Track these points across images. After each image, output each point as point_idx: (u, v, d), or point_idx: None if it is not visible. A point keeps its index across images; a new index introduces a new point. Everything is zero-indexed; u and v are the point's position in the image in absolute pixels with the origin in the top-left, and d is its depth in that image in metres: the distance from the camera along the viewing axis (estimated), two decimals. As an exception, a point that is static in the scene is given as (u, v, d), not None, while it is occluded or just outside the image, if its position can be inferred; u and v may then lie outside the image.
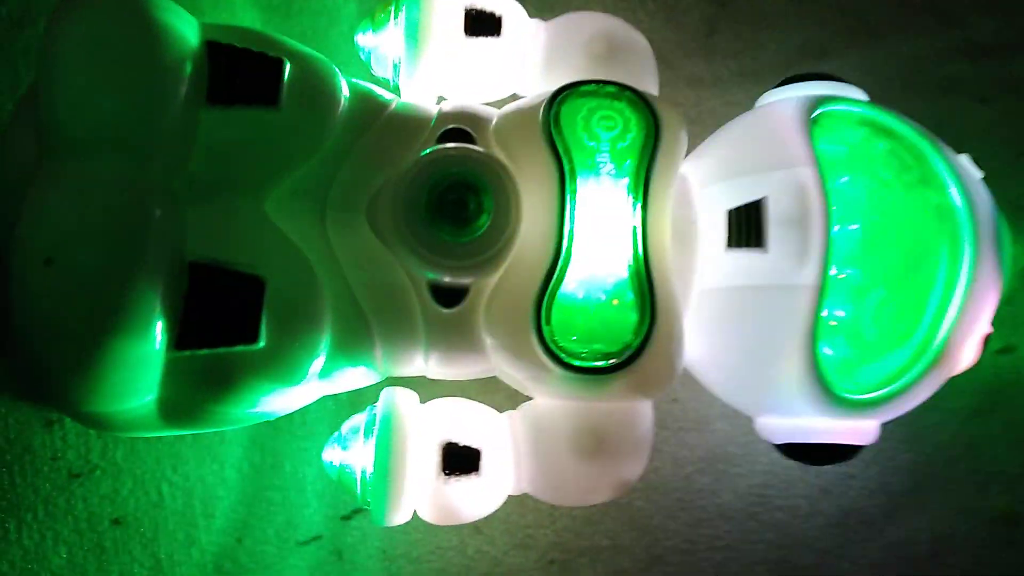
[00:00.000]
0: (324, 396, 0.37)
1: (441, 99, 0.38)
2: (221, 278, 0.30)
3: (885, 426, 0.37)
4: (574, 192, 0.32)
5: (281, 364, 0.31)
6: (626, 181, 0.33)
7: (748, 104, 0.44)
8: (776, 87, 0.40)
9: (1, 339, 0.30)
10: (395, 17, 0.37)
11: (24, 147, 0.30)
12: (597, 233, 0.33)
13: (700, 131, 0.45)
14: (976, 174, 0.37)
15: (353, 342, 0.33)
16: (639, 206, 0.32)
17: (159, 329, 0.30)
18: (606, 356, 0.32)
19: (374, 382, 0.36)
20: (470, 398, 0.38)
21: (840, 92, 0.38)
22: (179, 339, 0.30)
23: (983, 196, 0.36)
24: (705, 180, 0.36)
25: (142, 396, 0.31)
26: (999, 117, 0.50)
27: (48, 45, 0.29)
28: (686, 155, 0.36)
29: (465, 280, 0.33)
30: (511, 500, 0.37)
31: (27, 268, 0.28)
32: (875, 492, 0.46)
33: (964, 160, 0.37)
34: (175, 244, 0.30)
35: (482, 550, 0.45)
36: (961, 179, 0.35)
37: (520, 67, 0.38)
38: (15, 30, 0.45)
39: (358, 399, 0.41)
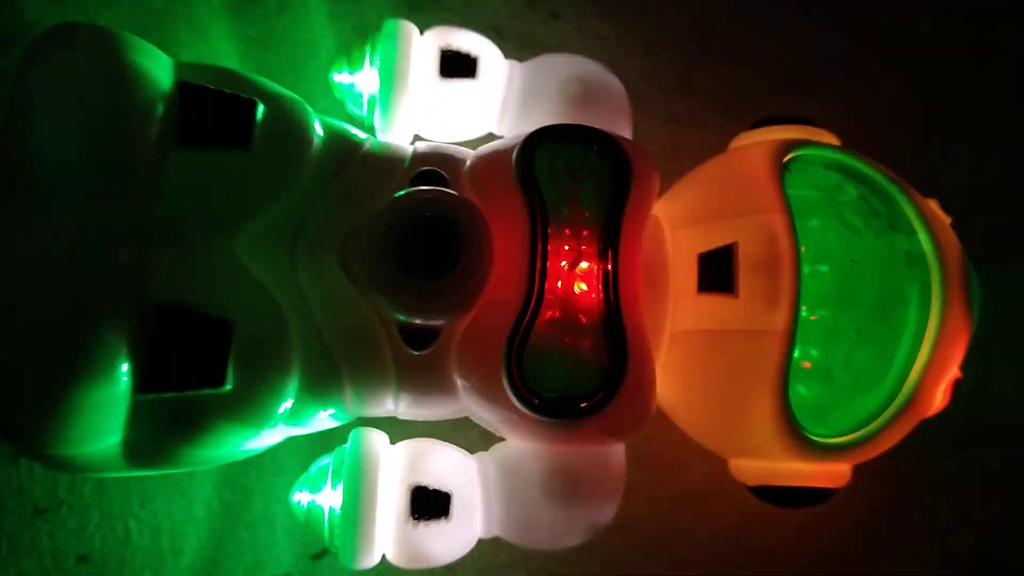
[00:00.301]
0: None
1: (417, 138, 0.38)
2: (188, 320, 0.30)
3: (860, 466, 0.37)
4: (546, 236, 0.32)
5: (248, 407, 0.31)
6: (598, 226, 0.33)
7: (724, 142, 0.44)
8: (750, 129, 0.40)
9: None
10: (370, 57, 0.37)
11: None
12: (569, 276, 0.33)
13: (676, 168, 0.45)
14: (945, 219, 0.37)
15: (322, 384, 0.33)
16: (611, 250, 0.32)
17: (124, 373, 0.29)
18: (578, 400, 0.32)
19: (343, 423, 0.36)
20: (443, 435, 0.37)
21: (812, 136, 0.38)
22: (144, 383, 0.30)
23: (952, 241, 0.36)
24: (677, 223, 0.36)
25: (107, 439, 0.31)
26: (974, 157, 0.50)
27: (18, 84, 0.29)
28: (659, 194, 0.36)
29: (436, 322, 0.33)
30: (484, 540, 0.36)
31: None
32: (851, 531, 0.46)
33: (932, 205, 0.37)
34: (141, 287, 0.30)
35: (454, 590, 0.45)
36: (929, 225, 0.36)
37: (495, 108, 0.38)
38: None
39: (330, 435, 0.40)
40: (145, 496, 0.43)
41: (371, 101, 0.38)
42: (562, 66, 0.38)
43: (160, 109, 0.31)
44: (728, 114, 0.49)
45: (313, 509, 0.35)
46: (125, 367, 0.29)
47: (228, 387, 0.30)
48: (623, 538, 0.45)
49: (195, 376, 0.30)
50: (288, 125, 0.33)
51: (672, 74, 0.49)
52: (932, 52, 0.51)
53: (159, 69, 0.32)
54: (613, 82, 0.39)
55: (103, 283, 0.29)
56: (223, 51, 0.48)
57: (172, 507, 0.44)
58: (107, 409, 0.29)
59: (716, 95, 0.49)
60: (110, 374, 0.29)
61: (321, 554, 0.44)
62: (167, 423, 0.31)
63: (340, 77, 0.39)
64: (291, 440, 0.37)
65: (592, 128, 0.34)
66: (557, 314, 0.32)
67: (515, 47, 0.40)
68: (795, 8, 0.50)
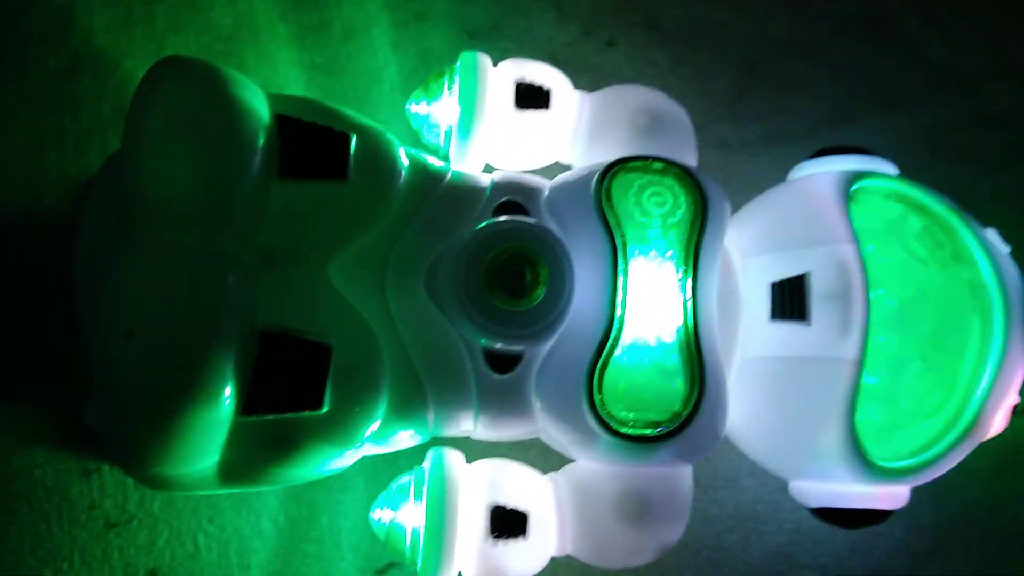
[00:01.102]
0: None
1: (489, 167, 0.39)
2: (290, 346, 0.31)
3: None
4: (626, 265, 0.33)
5: (342, 429, 0.32)
6: (676, 254, 0.34)
7: (774, 166, 0.45)
8: (809, 159, 0.42)
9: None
10: (449, 88, 0.38)
11: (104, 214, 0.31)
12: (647, 304, 0.34)
13: (729, 194, 0.47)
14: (1004, 249, 0.38)
15: (408, 406, 0.34)
16: (689, 279, 0.34)
17: (230, 395, 0.30)
18: (655, 424, 0.33)
19: (421, 443, 0.37)
20: (503, 455, 0.38)
21: (873, 166, 0.39)
22: (247, 405, 0.31)
23: (1011, 271, 0.37)
24: (747, 251, 0.37)
25: (208, 459, 0.32)
26: (1015, 183, 0.51)
27: (133, 118, 0.31)
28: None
29: (518, 347, 0.34)
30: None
31: (110, 339, 0.28)
32: (900, 551, 0.47)
33: (992, 235, 0.39)
34: (247, 313, 0.31)
35: (516, 606, 0.45)
36: (991, 255, 0.37)
37: (566, 138, 0.40)
38: (61, 82, 0.46)
39: (395, 453, 0.41)
40: (214, 511, 0.44)
41: (447, 133, 0.39)
42: (631, 97, 0.39)
43: (261, 141, 0.32)
44: (778, 140, 0.50)
45: (394, 525, 0.36)
46: (230, 390, 0.30)
47: (325, 409, 0.31)
48: (678, 557, 0.46)
49: (296, 399, 0.31)
50: (380, 156, 0.34)
51: (723, 101, 0.50)
52: (975, 81, 0.52)
53: (258, 103, 0.33)
54: (679, 111, 0.40)
55: (215, 310, 0.30)
56: (289, 77, 0.49)
57: (240, 522, 0.44)
58: (212, 430, 0.30)
59: (766, 122, 0.50)
60: (218, 397, 0.30)
61: (385, 569, 0.45)
62: (264, 444, 0.32)
63: (417, 107, 0.40)
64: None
65: (668, 160, 0.35)
66: (637, 341, 0.34)
67: (571, 75, 0.41)
68: (843, 36, 0.52)
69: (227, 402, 0.30)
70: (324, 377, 0.31)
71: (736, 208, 0.41)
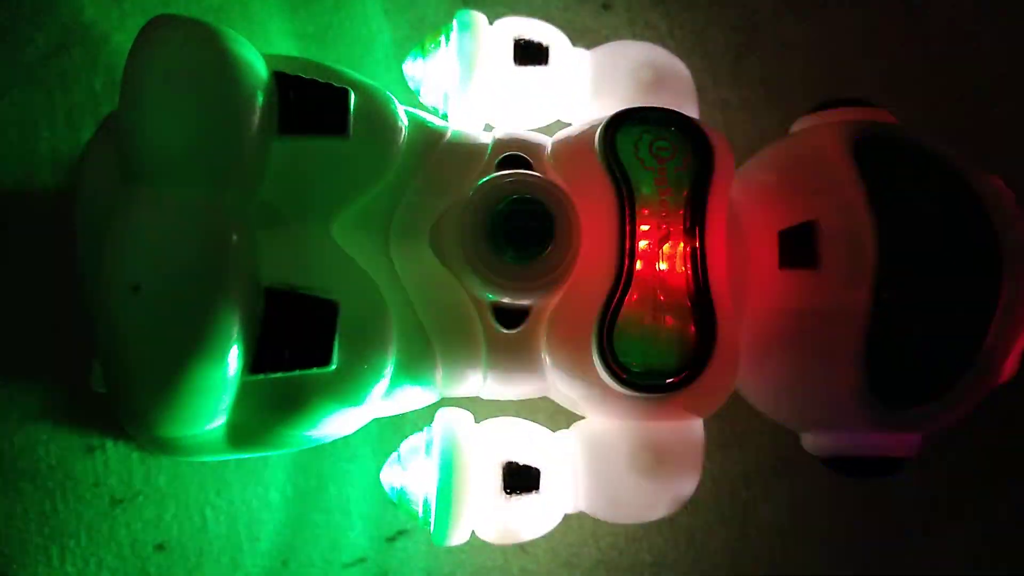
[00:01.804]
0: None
1: (488, 127, 0.39)
2: (297, 303, 0.31)
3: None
4: (634, 215, 0.33)
5: (350, 386, 0.32)
6: (684, 204, 0.34)
7: (776, 127, 0.45)
8: (811, 112, 0.41)
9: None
10: (446, 45, 0.38)
11: (104, 173, 0.30)
12: (656, 254, 0.33)
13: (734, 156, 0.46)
14: (1009, 195, 0.38)
15: (416, 363, 0.34)
16: (697, 228, 0.33)
17: (237, 354, 0.30)
18: (667, 375, 0.33)
19: (430, 403, 0.37)
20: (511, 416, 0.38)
21: (876, 118, 0.39)
22: (255, 363, 0.30)
23: (1019, 215, 0.37)
24: (753, 202, 0.37)
25: (215, 420, 0.31)
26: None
27: (130, 76, 0.30)
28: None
29: (526, 301, 0.34)
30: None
31: (114, 294, 0.28)
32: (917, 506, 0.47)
33: (996, 181, 0.38)
34: (251, 270, 0.31)
35: (527, 569, 0.45)
36: (998, 202, 0.36)
37: (566, 95, 0.39)
38: (51, 58, 0.46)
39: (401, 420, 0.41)
40: (221, 484, 0.44)
41: (445, 93, 0.39)
42: (633, 52, 0.39)
43: (261, 98, 0.32)
44: (779, 100, 0.50)
45: (405, 488, 0.36)
46: (237, 348, 0.30)
47: (333, 367, 0.31)
48: (690, 514, 0.46)
49: (304, 357, 0.31)
50: (380, 113, 0.34)
51: (723, 62, 0.50)
52: (978, 42, 0.52)
53: (256, 60, 0.32)
54: (681, 68, 0.40)
55: (219, 265, 0.29)
56: (281, 48, 0.49)
57: (247, 494, 0.44)
58: (220, 390, 0.30)
59: (767, 82, 0.50)
60: (225, 355, 0.29)
61: (395, 536, 0.45)
62: (273, 404, 0.31)
63: (413, 67, 0.39)
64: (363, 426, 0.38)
65: (673, 110, 0.35)
66: (646, 292, 0.33)
67: (568, 38, 0.41)
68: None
69: (234, 359, 0.30)
70: (332, 334, 0.31)
71: (739, 166, 0.41)
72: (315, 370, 0.31)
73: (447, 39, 0.38)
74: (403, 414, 0.38)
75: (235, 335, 0.30)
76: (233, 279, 0.30)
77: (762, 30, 0.51)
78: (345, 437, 0.45)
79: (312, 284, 0.31)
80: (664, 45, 0.48)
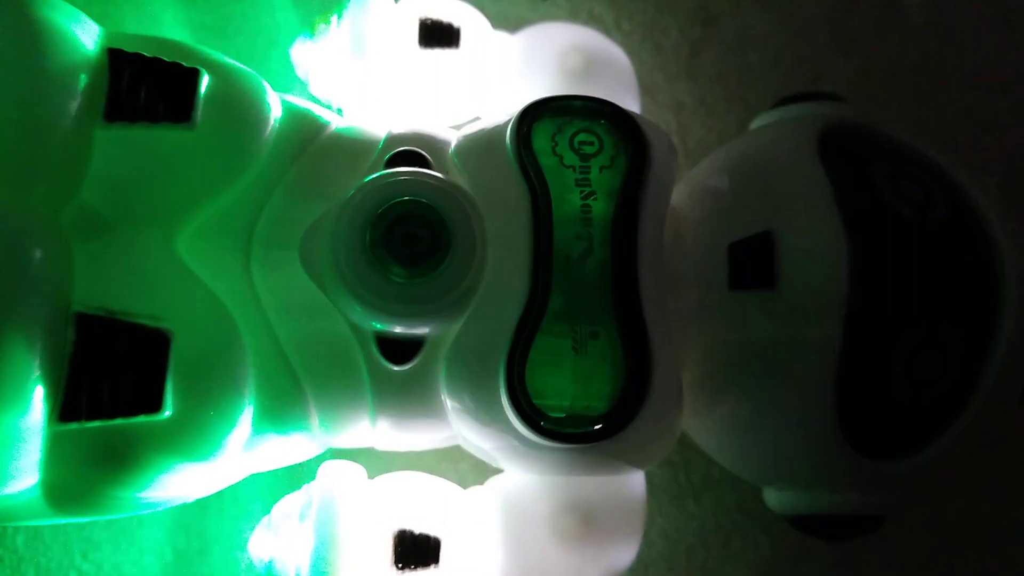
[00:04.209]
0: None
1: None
2: (116, 332, 0.25)
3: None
4: (550, 224, 0.27)
5: (192, 437, 0.26)
6: (612, 210, 0.28)
7: (737, 131, 0.40)
8: (771, 109, 0.36)
9: None
10: (337, 25, 0.32)
11: None
12: (578, 271, 0.27)
13: (686, 162, 0.41)
14: (1001, 203, 0.33)
15: (282, 408, 0.28)
16: (628, 240, 0.27)
17: (39, 397, 0.24)
18: (592, 420, 0.27)
19: (313, 455, 0.31)
20: (429, 468, 0.32)
21: (841, 112, 0.34)
22: (64, 409, 0.24)
23: (1011, 228, 0.31)
24: (699, 211, 0.31)
25: (20, 480, 0.25)
26: (1001, 144, 0.46)
27: None
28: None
29: (420, 331, 0.28)
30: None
31: None
32: (891, 567, 0.41)
33: (989, 187, 0.33)
34: (60, 291, 0.25)
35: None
36: (992, 210, 0.31)
37: (484, 84, 0.34)
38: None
39: (299, 470, 0.35)
40: (88, 545, 0.39)
41: (337, 82, 0.33)
42: (560, 36, 0.34)
43: (82, 78, 0.26)
44: (739, 101, 0.45)
45: (274, 560, 0.30)
46: (40, 390, 0.24)
47: (166, 414, 0.25)
48: (638, 580, 0.40)
49: (125, 400, 0.25)
50: (239, 99, 0.28)
51: (677, 58, 0.45)
52: (956, 35, 0.47)
53: (82, 32, 0.27)
54: (618, 54, 0.34)
55: (10, 287, 0.24)
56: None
57: (119, 558, 0.39)
58: (21, 442, 0.24)
59: (725, 81, 0.45)
60: (20, 399, 0.24)
61: (291, 609, 0.39)
62: (94, 458, 0.26)
63: (302, 52, 0.34)
64: (252, 477, 0.32)
65: (600, 99, 0.29)
66: (565, 318, 0.27)
67: (502, 25, 0.36)
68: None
69: (37, 405, 0.24)
70: (161, 371, 0.25)
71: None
72: (142, 417, 0.25)
73: (339, 17, 0.32)
74: (301, 465, 0.32)
75: (31, 374, 0.24)
76: (28, 304, 0.24)
77: (721, 23, 0.45)
78: (232, 491, 0.39)
79: (137, 309, 0.25)
80: (610, 38, 0.43)
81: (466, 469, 0.38)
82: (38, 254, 0.24)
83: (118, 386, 0.25)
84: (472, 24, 0.33)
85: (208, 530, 0.39)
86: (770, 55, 0.46)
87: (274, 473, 0.38)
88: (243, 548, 0.39)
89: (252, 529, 0.39)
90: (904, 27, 0.46)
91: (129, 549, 0.39)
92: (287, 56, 0.43)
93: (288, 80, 0.43)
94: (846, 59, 0.46)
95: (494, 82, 0.34)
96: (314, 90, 0.34)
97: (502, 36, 0.34)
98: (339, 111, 0.33)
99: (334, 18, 0.33)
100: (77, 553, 0.39)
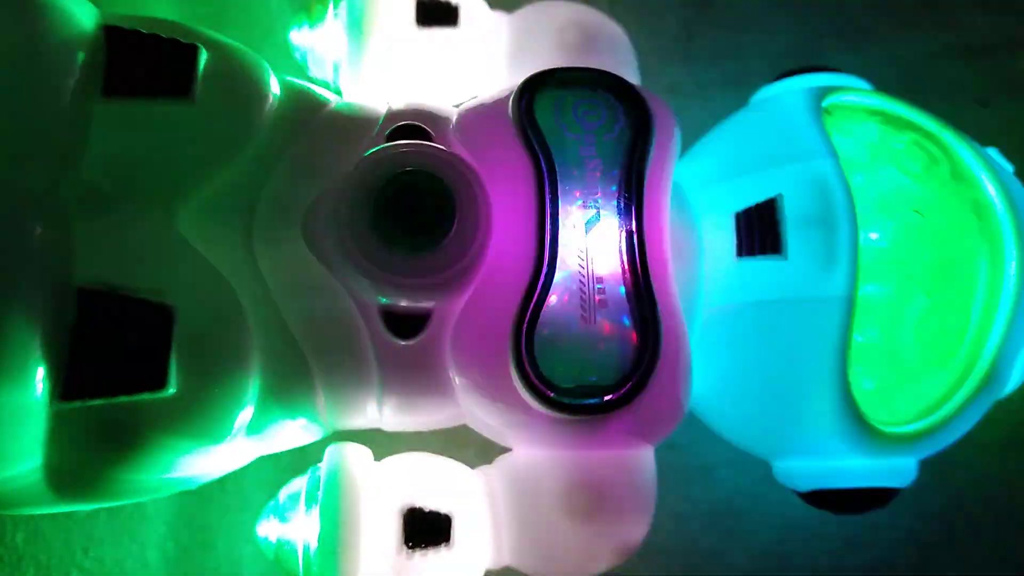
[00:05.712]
0: (261, 458, 0.30)
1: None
2: (118, 307, 0.24)
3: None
4: (556, 193, 0.27)
5: (197, 416, 0.25)
6: (618, 179, 0.27)
7: (730, 112, 0.40)
8: (773, 82, 0.36)
9: None
10: (335, 7, 0.32)
11: None
12: (584, 240, 0.27)
13: (683, 142, 0.41)
14: (1007, 167, 0.33)
15: (289, 387, 0.27)
16: (634, 208, 0.27)
17: (39, 375, 0.24)
18: (601, 391, 0.26)
19: (318, 438, 0.31)
20: (435, 453, 0.32)
21: (846, 83, 0.33)
22: (66, 387, 0.24)
23: (1019, 191, 0.31)
24: (704, 181, 0.31)
25: (23, 462, 0.25)
26: (1002, 121, 0.46)
27: None
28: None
29: (426, 304, 0.28)
30: (491, 572, 0.31)
31: None
32: (904, 542, 0.40)
33: (993, 153, 0.33)
34: (60, 267, 0.24)
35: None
36: (995, 172, 0.31)
37: (481, 63, 0.33)
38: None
39: (302, 461, 0.35)
40: (89, 542, 0.38)
41: (336, 65, 0.33)
42: (557, 13, 0.34)
43: (80, 55, 0.26)
44: (735, 83, 0.44)
45: (283, 543, 0.29)
46: (42, 369, 0.24)
47: (171, 391, 0.25)
48: (647, 562, 0.39)
49: (128, 377, 0.24)
50: (239, 75, 0.28)
51: (672, 40, 0.45)
52: (951, 11, 0.47)
53: (80, 11, 0.27)
54: (615, 29, 0.34)
55: (11, 262, 0.23)
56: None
57: (121, 553, 0.38)
58: (21, 422, 0.24)
59: (720, 62, 0.45)
60: (22, 377, 0.23)
61: (297, 600, 0.38)
62: (97, 439, 0.25)
63: (300, 36, 0.34)
64: (256, 466, 0.32)
65: (601, 70, 0.29)
66: (573, 288, 0.27)
67: (497, 6, 0.35)
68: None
69: (40, 383, 0.24)
70: (165, 347, 0.24)
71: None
72: (146, 395, 0.24)
73: (336, 1, 0.32)
74: (304, 452, 0.32)
75: (33, 351, 0.23)
76: (29, 280, 0.23)
77: (717, 3, 0.45)
78: (235, 481, 0.39)
79: (141, 284, 0.24)
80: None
81: (471, 456, 0.38)
82: (37, 229, 0.24)
83: (121, 362, 0.24)
84: (470, 2, 0.33)
85: (211, 523, 0.38)
86: (765, 36, 0.46)
87: (277, 459, 0.38)
88: (247, 540, 0.39)
89: (256, 519, 0.39)
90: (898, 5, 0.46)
91: (131, 544, 0.38)
92: (283, 47, 0.43)
93: (284, 70, 0.43)
94: (841, 39, 0.46)
95: (492, 60, 0.33)
96: (312, 73, 0.34)
97: (500, 15, 0.34)
98: (337, 91, 0.33)
99: (331, 2, 0.32)
100: (78, 549, 0.38)
